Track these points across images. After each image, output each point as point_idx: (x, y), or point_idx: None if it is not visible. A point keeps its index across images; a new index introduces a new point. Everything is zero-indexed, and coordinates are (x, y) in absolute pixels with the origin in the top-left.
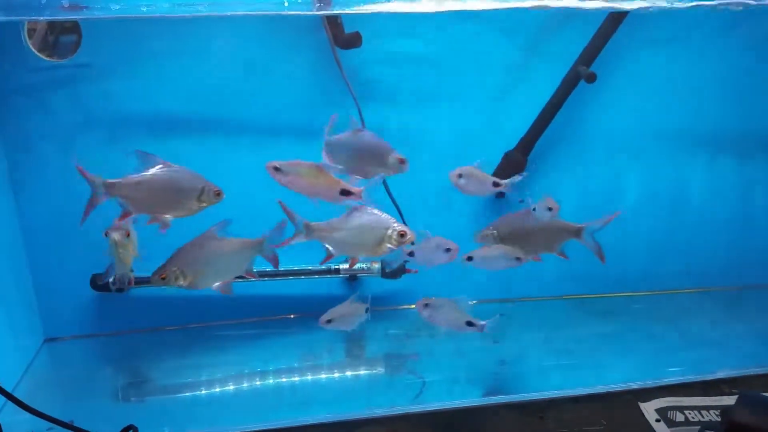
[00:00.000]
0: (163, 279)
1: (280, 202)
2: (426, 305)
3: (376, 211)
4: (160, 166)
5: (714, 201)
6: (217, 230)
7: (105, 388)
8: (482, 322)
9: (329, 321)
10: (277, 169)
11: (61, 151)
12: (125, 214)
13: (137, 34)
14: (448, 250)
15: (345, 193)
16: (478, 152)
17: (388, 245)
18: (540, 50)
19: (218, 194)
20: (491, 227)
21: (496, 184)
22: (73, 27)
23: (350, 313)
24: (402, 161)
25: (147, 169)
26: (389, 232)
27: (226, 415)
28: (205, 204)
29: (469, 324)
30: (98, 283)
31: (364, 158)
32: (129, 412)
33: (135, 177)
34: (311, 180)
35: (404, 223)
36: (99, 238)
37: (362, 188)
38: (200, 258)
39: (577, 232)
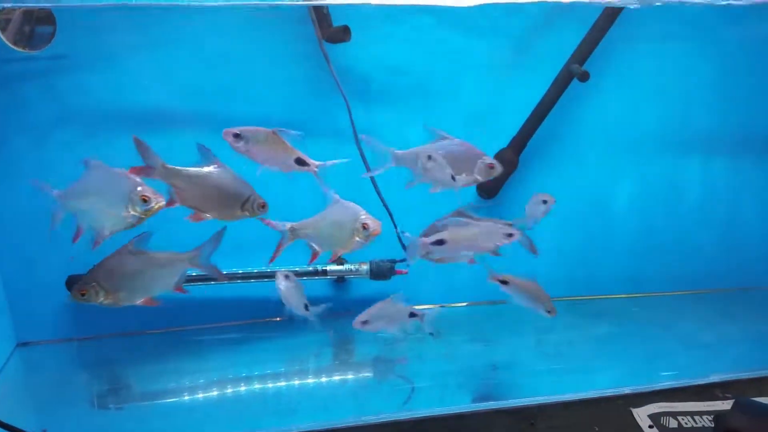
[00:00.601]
0: (83, 295)
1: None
2: (364, 322)
3: (351, 204)
4: (216, 165)
5: (707, 203)
6: (136, 244)
7: (80, 396)
8: (423, 312)
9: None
10: (237, 135)
11: (35, 145)
12: (170, 203)
13: (114, 26)
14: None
15: (300, 162)
16: None
17: (357, 239)
18: (533, 48)
19: (262, 206)
20: (430, 230)
21: (453, 178)
22: (48, 18)
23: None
24: (491, 166)
25: (203, 165)
26: (356, 224)
27: (208, 423)
28: (247, 213)
29: (412, 315)
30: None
31: (453, 166)
32: (105, 420)
33: (190, 169)
34: (269, 147)
35: (394, 223)
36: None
37: (319, 163)
38: (119, 273)
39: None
